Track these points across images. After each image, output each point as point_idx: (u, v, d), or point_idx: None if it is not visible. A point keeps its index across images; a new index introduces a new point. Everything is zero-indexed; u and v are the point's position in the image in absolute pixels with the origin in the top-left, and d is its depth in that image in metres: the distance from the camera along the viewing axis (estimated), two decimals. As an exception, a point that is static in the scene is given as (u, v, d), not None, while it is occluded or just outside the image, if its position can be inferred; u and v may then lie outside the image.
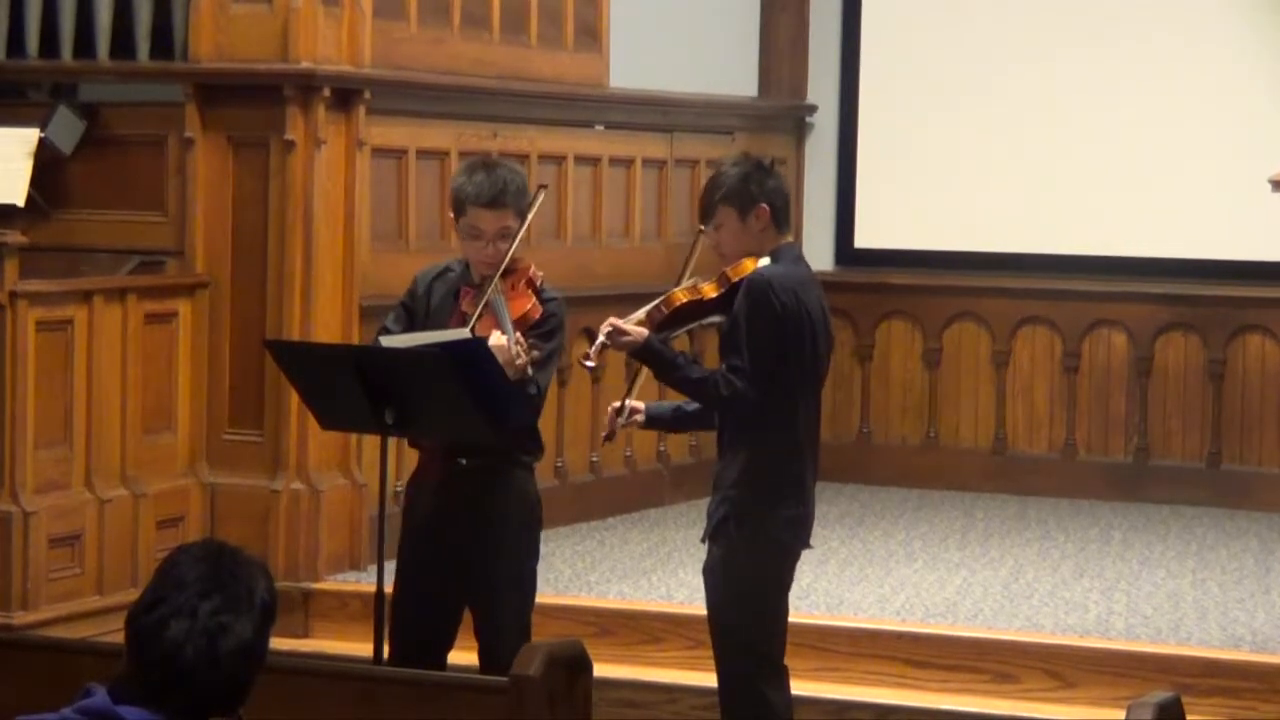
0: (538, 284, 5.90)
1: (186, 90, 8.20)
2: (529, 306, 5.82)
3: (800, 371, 5.63)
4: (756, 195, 5.69)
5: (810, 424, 5.71)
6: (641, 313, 5.72)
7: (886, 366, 11.01)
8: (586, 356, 5.72)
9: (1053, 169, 10.69)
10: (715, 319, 5.76)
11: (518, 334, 5.68)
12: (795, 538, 5.71)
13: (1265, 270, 10.33)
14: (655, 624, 7.63)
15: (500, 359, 5.64)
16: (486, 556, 5.83)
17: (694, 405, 5.84)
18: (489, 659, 5.76)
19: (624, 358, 9.17)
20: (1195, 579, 8.52)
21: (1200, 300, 10.43)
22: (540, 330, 5.83)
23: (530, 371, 5.68)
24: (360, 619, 7.53)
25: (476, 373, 5.58)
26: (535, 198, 6.00)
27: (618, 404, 5.80)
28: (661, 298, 5.73)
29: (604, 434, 5.90)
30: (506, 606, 5.85)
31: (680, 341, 5.95)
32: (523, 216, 5.89)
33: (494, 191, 5.84)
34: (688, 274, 5.78)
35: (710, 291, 5.70)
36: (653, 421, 5.93)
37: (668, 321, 5.71)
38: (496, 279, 5.79)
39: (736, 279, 5.65)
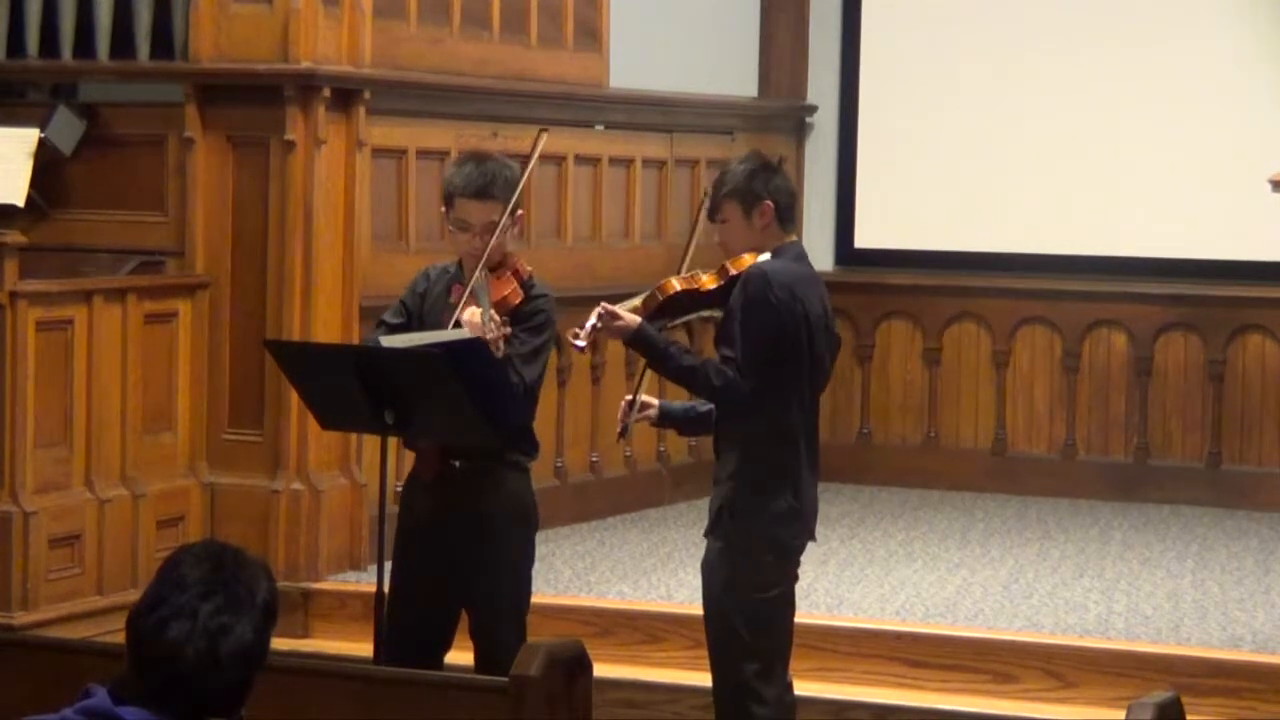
0: (524, 277, 5.88)
1: (186, 90, 8.20)
2: (508, 291, 5.80)
3: (794, 365, 5.63)
4: (761, 192, 5.72)
5: (807, 419, 5.71)
6: (636, 299, 5.73)
7: (886, 366, 11.01)
8: (576, 335, 5.69)
9: (1053, 169, 10.69)
10: (713, 312, 5.76)
11: (493, 312, 5.64)
12: (791, 532, 5.69)
13: (1265, 270, 10.33)
14: (655, 624, 7.63)
15: (471, 335, 5.61)
16: (481, 559, 5.82)
17: (708, 406, 5.83)
18: (485, 661, 5.76)
19: (626, 356, 9.21)
20: (1195, 579, 8.52)
21: (1200, 300, 10.42)
22: (527, 325, 5.80)
23: (502, 347, 5.63)
24: (360, 619, 7.52)
25: (476, 373, 5.58)
26: (536, 142, 5.99)
27: (630, 398, 5.79)
28: (656, 285, 5.74)
29: (617, 430, 5.89)
30: (502, 609, 5.84)
31: (679, 335, 5.94)
32: (510, 208, 5.88)
33: (482, 183, 5.83)
34: (686, 263, 5.80)
35: (709, 283, 5.71)
36: (665, 418, 5.93)
37: (662, 309, 5.71)
38: (481, 268, 5.77)
39: (736, 272, 5.66)
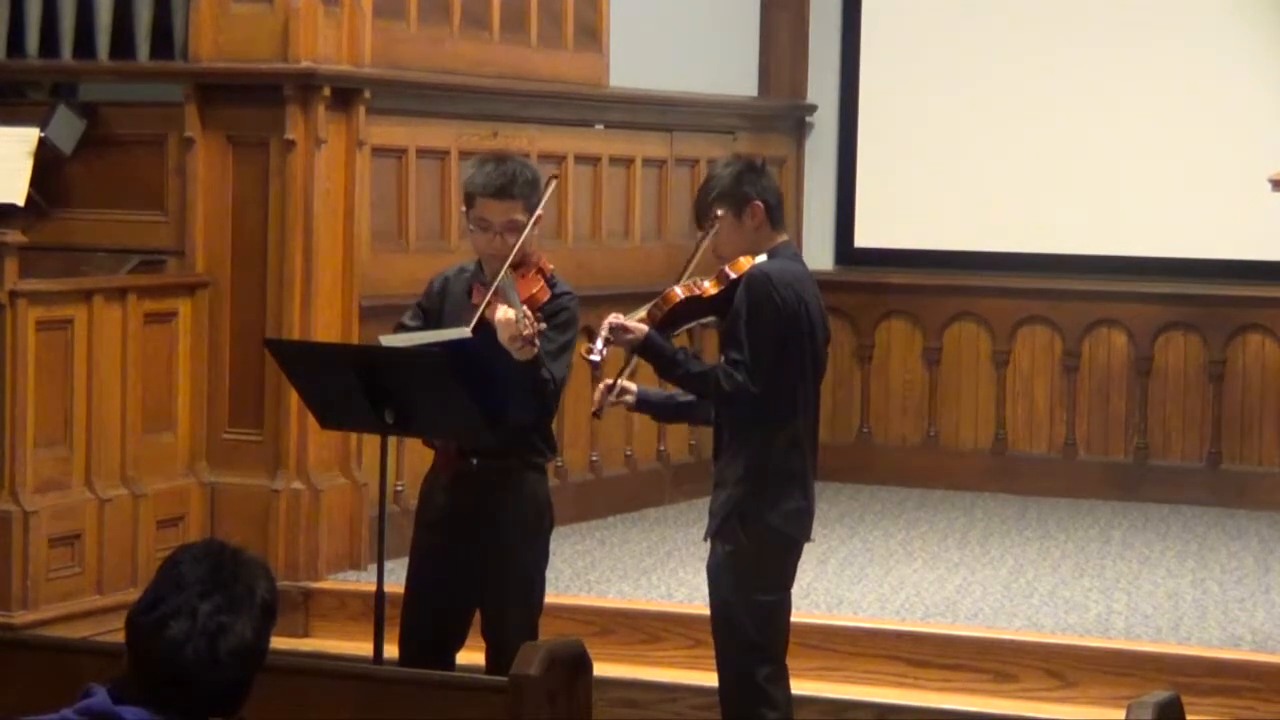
0: (548, 274, 5.91)
1: (186, 90, 8.20)
2: (537, 289, 5.82)
3: (800, 365, 5.67)
4: (750, 194, 5.74)
5: (809, 418, 5.75)
6: (642, 311, 5.76)
7: (886, 366, 11.01)
8: (590, 351, 5.71)
9: (1053, 168, 10.69)
10: (715, 318, 5.78)
11: (525, 309, 5.62)
12: (799, 531, 5.75)
13: (1265, 270, 10.33)
14: (655, 624, 7.63)
15: (507, 335, 5.57)
16: (495, 557, 5.83)
17: (687, 396, 5.86)
18: (496, 660, 5.76)
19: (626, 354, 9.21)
20: (1195, 579, 8.52)
21: (1200, 300, 10.42)
22: (554, 322, 5.81)
23: (537, 344, 5.60)
24: (360, 619, 7.53)
25: (476, 372, 5.58)
26: (545, 188, 6.00)
27: (609, 381, 5.81)
28: (660, 295, 5.76)
29: (592, 410, 5.92)
30: (513, 608, 5.86)
31: (680, 339, 5.96)
32: (532, 210, 5.89)
33: (502, 182, 5.85)
34: (689, 270, 5.81)
35: (711, 289, 5.73)
36: (643, 405, 5.94)
37: (667, 319, 5.74)
38: (506, 266, 5.77)
39: (736, 275, 5.69)
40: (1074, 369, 10.65)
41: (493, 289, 5.75)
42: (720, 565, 5.72)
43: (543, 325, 5.65)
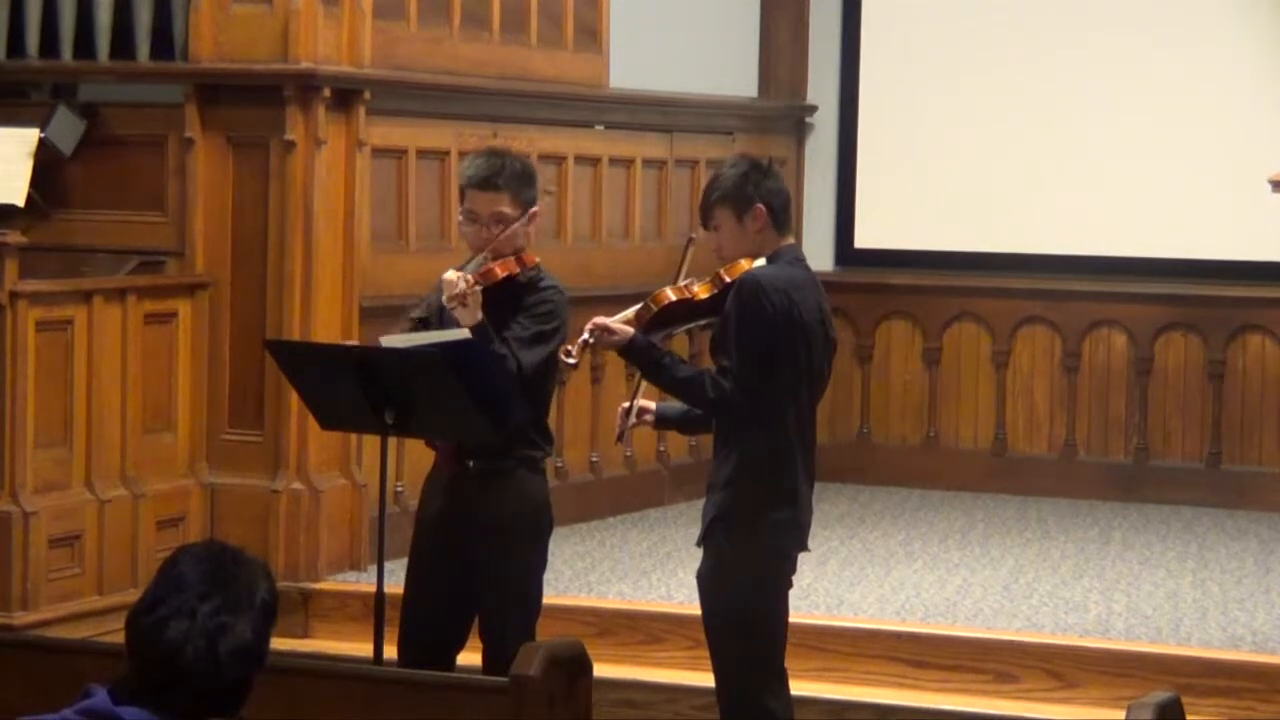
0: (528, 264, 5.88)
1: (186, 90, 8.20)
2: (497, 264, 5.82)
3: (791, 373, 5.56)
4: (753, 195, 5.65)
5: (803, 427, 5.64)
6: (630, 311, 5.68)
7: (886, 366, 11.01)
8: (568, 353, 5.68)
9: (1052, 169, 10.69)
10: (709, 320, 5.71)
11: (468, 275, 5.69)
12: (787, 541, 5.64)
13: (1265, 270, 10.33)
14: (655, 624, 7.63)
15: (446, 294, 5.68)
16: (492, 559, 5.83)
17: None
18: (492, 661, 5.76)
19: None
20: (1195, 579, 8.53)
21: (1200, 300, 10.43)
22: (531, 311, 5.81)
23: (468, 304, 5.67)
24: (360, 619, 7.53)
25: (475, 372, 5.58)
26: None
27: (626, 404, 5.77)
28: (650, 296, 5.70)
29: (615, 435, 5.89)
30: (511, 610, 5.85)
31: (679, 342, 5.92)
32: (522, 203, 5.88)
33: (487, 173, 5.85)
34: (683, 272, 5.75)
35: (703, 292, 5.64)
36: (663, 421, 5.91)
37: (656, 320, 5.65)
38: (485, 253, 5.80)
39: (730, 279, 5.60)
40: (1074, 369, 10.65)
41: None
42: (706, 574, 5.67)
43: (477, 287, 5.68)
